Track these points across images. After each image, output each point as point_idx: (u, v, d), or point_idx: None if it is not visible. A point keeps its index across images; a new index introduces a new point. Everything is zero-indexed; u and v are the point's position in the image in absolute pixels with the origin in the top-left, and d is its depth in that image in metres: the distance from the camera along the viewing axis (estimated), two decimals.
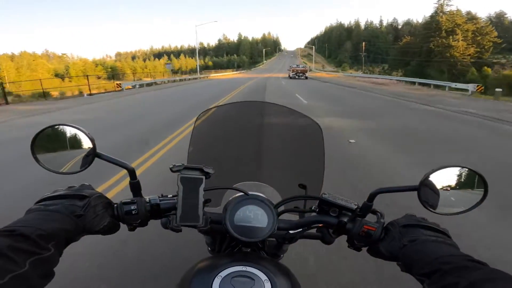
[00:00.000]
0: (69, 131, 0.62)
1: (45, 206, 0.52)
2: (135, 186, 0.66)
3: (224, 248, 0.81)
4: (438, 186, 0.61)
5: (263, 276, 0.55)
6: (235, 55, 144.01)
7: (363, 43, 79.19)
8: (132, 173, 0.64)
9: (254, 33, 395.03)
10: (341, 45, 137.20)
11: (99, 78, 47.62)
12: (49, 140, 0.62)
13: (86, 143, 0.62)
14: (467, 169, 0.61)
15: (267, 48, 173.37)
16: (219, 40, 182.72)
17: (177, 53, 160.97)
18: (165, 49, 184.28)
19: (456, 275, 0.42)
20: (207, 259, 0.67)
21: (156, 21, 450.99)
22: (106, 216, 0.59)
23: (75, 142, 0.62)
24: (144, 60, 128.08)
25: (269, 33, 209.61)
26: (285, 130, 1.15)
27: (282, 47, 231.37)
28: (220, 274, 0.55)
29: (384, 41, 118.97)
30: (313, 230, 0.75)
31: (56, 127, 0.62)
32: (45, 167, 0.61)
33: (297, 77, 33.52)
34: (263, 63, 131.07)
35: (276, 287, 0.54)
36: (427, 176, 0.60)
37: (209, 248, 0.91)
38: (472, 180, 0.61)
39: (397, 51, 68.43)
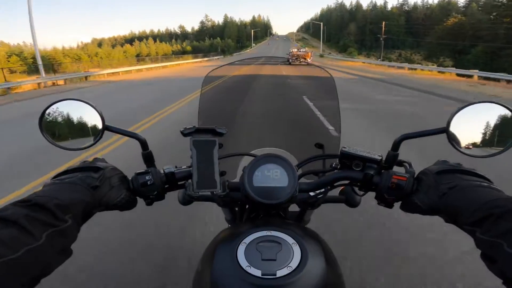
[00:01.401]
0: (76, 105, 0.61)
1: (61, 180, 0.50)
2: (147, 157, 0.63)
3: (245, 219, 0.75)
4: (467, 126, 0.56)
5: (290, 240, 0.51)
6: (218, 39, 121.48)
7: (383, 23, 59.21)
8: (143, 143, 0.62)
9: (242, 15, 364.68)
10: (343, 28, 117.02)
11: (12, 72, 28.22)
12: (56, 116, 0.60)
13: (94, 117, 0.60)
14: (495, 104, 0.54)
15: (256, 29, 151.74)
16: (202, 22, 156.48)
17: (154, 37, 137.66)
18: (142, 34, 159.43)
19: None
20: (229, 229, 0.65)
21: (135, 5, 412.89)
22: (121, 188, 0.57)
23: (83, 117, 0.61)
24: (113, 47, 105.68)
25: (259, 16, 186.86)
26: (298, 85, 1.11)
27: (274, 32, 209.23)
28: (244, 241, 0.52)
29: (397, 23, 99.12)
30: (336, 194, 0.70)
31: (63, 101, 0.60)
32: (55, 143, 0.59)
33: (297, 62, 26.92)
34: (251, 47, 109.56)
35: (306, 250, 0.49)
36: (454, 114, 0.55)
37: (229, 225, 0.87)
38: (503, 116, 0.54)
39: (441, 33, 48.84)
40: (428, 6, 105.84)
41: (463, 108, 0.54)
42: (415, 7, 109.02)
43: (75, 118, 0.61)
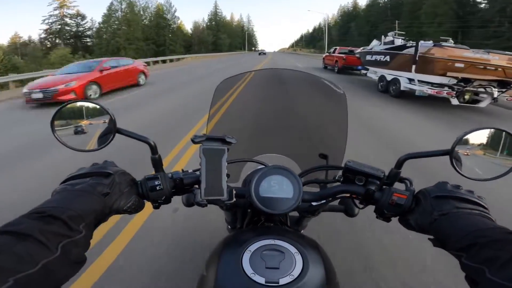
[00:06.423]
0: (89, 107, 0.61)
1: (72, 186, 0.49)
2: (156, 161, 0.64)
3: (246, 224, 0.78)
4: (471, 150, 0.57)
5: (293, 249, 0.54)
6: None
7: None
8: (153, 147, 0.62)
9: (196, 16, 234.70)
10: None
11: None
12: (69, 118, 0.60)
13: (106, 119, 0.60)
14: (501, 132, 0.56)
15: (222, 35, 74.73)
16: (58, 17, 56.11)
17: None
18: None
19: (495, 249, 0.39)
20: (233, 235, 0.66)
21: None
22: (131, 193, 0.57)
23: (95, 118, 0.61)
24: None
25: (232, 16, 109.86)
26: (307, 99, 1.08)
27: (259, 47, 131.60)
28: (249, 248, 0.53)
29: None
30: (336, 203, 0.72)
31: (75, 103, 0.60)
32: (67, 145, 0.59)
33: (470, 96, 6.46)
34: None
35: (307, 259, 0.51)
36: (460, 139, 0.56)
37: (229, 226, 0.88)
38: (507, 143, 0.56)
39: None
40: None
41: (469, 132, 0.55)
42: None
43: (87, 119, 0.60)
